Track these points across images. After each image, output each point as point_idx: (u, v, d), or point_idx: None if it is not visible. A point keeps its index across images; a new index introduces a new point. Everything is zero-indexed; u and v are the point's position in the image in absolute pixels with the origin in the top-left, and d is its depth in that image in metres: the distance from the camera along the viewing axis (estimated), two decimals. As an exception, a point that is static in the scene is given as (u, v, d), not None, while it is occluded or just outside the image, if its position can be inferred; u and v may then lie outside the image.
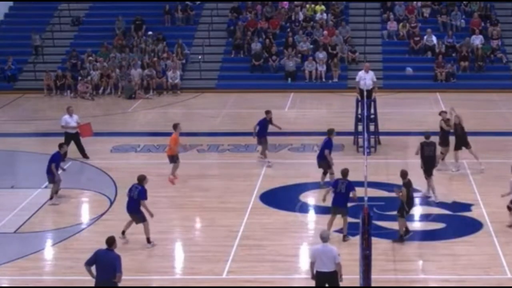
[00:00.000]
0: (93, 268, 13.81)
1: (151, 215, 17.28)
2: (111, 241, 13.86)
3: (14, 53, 35.57)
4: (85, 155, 23.88)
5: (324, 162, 20.80)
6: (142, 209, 17.23)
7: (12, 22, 39.65)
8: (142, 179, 17.47)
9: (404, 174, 17.65)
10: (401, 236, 17.65)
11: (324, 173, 20.92)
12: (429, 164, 20.05)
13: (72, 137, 23.75)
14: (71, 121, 23.94)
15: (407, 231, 17.61)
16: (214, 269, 16.20)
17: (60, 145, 21.15)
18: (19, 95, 33.92)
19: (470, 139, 26.22)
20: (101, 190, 21.21)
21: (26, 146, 25.89)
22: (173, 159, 21.81)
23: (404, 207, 17.46)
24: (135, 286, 15.63)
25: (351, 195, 17.42)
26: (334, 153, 24.01)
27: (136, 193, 17.25)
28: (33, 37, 36.15)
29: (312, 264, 13.73)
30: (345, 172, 17.62)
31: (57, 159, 20.47)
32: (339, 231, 17.96)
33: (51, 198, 20.20)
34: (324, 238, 13.79)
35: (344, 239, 17.45)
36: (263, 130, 23.14)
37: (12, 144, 26.16)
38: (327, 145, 20.77)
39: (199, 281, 15.76)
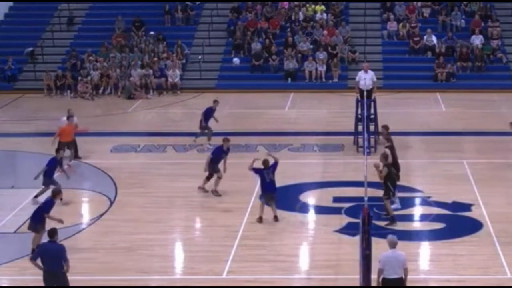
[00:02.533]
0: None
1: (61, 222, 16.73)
2: (53, 233, 13.91)
3: (14, 53, 35.57)
4: (77, 156, 23.94)
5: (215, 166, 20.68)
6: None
7: (12, 22, 39.64)
8: (56, 194, 17.02)
9: (385, 156, 18.50)
10: (392, 218, 18.04)
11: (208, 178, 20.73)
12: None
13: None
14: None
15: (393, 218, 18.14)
16: (214, 269, 16.19)
17: (57, 151, 20.96)
18: (19, 95, 33.91)
19: (470, 139, 26.36)
20: (101, 190, 21.20)
21: (26, 146, 25.89)
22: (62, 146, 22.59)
23: (389, 188, 17.99)
24: (135, 286, 15.65)
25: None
26: (334, 153, 24.11)
27: (42, 203, 16.95)
28: (26, 51, 36.08)
29: (381, 271, 13.48)
30: (266, 163, 18.60)
31: (54, 164, 20.29)
32: (339, 231, 17.98)
33: (35, 197, 20.18)
34: (394, 244, 13.63)
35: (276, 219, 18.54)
36: (207, 118, 24.87)
37: (12, 144, 26.15)
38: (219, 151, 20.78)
39: (199, 281, 15.76)
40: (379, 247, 15.35)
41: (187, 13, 38.08)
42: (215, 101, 25.49)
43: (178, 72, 34.00)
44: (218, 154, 20.66)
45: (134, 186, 21.49)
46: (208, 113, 25.08)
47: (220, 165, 20.66)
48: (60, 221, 16.64)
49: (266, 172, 18.54)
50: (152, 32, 36.53)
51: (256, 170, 18.75)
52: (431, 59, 34.95)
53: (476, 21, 36.01)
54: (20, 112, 31.22)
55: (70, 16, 38.25)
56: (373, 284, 13.67)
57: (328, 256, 16.71)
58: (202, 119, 24.99)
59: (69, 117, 23.77)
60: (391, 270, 13.45)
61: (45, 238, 14.66)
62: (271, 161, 18.88)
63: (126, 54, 35.20)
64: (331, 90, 33.38)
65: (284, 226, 18.40)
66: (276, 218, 18.54)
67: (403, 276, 13.52)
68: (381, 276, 13.51)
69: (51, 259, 13.74)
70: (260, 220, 18.49)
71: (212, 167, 20.52)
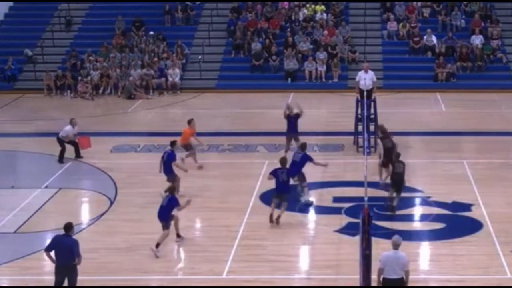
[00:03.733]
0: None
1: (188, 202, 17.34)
2: (68, 227, 14.31)
3: (14, 53, 35.57)
4: (79, 155, 23.93)
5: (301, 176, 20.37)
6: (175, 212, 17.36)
7: (12, 22, 39.63)
8: (172, 189, 17.49)
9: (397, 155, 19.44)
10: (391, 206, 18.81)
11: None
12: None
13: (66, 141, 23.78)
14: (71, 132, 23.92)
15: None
16: (214, 269, 16.19)
17: (172, 143, 20.75)
18: (19, 95, 33.90)
19: (470, 139, 26.35)
20: (101, 190, 21.21)
21: (26, 146, 25.89)
22: (187, 147, 22.64)
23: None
24: (135, 286, 15.65)
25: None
26: (334, 153, 24.11)
27: (166, 200, 17.19)
28: (25, 52, 36.03)
29: (381, 271, 13.50)
30: (283, 161, 18.67)
31: (173, 157, 20.19)
32: (339, 231, 17.99)
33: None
34: (396, 246, 13.62)
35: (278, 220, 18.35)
36: (291, 127, 23.35)
37: (12, 144, 26.14)
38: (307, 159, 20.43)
39: (199, 281, 15.76)
40: (379, 247, 15.42)
41: (187, 13, 38.08)
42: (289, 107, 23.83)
43: (178, 71, 33.99)
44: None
45: (134, 186, 21.48)
46: (291, 122, 23.46)
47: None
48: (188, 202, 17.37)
49: (280, 172, 18.46)
50: (151, 32, 36.51)
51: (272, 172, 18.69)
52: (431, 59, 34.95)
53: (476, 21, 36.00)
54: (20, 112, 31.21)
55: (68, 17, 38.16)
56: (373, 284, 13.68)
57: (328, 256, 16.72)
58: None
59: (73, 124, 23.73)
60: (391, 270, 13.45)
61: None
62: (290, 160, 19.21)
63: (126, 54, 35.21)
64: (331, 90, 33.37)
65: (284, 226, 18.39)
66: (278, 220, 18.32)
67: (404, 277, 13.52)
68: (381, 276, 13.52)
69: (63, 252, 14.08)
70: (271, 218, 18.32)
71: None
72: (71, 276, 14.19)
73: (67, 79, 33.93)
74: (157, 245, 16.80)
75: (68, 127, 23.66)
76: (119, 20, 37.24)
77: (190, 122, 23.19)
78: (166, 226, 17.09)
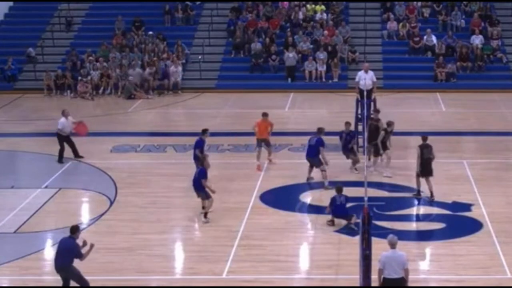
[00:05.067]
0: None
1: (213, 192, 18.60)
2: (73, 230, 14.51)
3: (14, 53, 35.57)
4: (78, 155, 23.91)
5: (316, 160, 21.10)
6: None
7: (12, 22, 39.64)
8: (203, 159, 18.96)
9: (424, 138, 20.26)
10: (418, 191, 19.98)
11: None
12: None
13: (64, 138, 23.75)
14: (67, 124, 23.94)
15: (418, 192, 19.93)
16: (214, 269, 16.19)
17: (204, 131, 21.52)
18: (19, 95, 33.91)
19: (470, 139, 26.33)
20: (101, 190, 21.21)
21: (26, 146, 25.89)
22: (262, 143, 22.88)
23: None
24: (135, 286, 15.65)
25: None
26: (335, 153, 24.05)
27: (197, 172, 18.74)
28: (27, 51, 36.00)
29: (381, 271, 13.51)
30: (338, 190, 18.45)
31: (201, 144, 21.13)
32: (339, 231, 17.99)
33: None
34: (393, 244, 13.65)
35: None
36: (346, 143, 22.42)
37: (12, 144, 26.15)
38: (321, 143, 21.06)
39: (199, 281, 15.76)
40: (379, 247, 15.42)
41: (187, 13, 38.09)
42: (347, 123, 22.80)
43: (180, 68, 33.94)
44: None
45: (134, 186, 21.49)
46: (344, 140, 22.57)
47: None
48: (212, 191, 18.63)
49: (338, 197, 18.26)
50: (150, 32, 36.51)
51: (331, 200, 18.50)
52: (431, 59, 34.96)
53: (476, 21, 36.00)
54: (20, 112, 31.21)
55: (68, 17, 38.17)
56: (373, 284, 13.68)
57: (328, 256, 16.72)
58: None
59: (66, 115, 23.85)
60: (391, 270, 13.46)
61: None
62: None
63: (126, 54, 35.20)
64: (331, 90, 33.37)
65: (284, 226, 18.40)
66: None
67: (404, 276, 13.52)
68: (382, 276, 13.52)
69: (62, 252, 14.30)
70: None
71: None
72: (71, 277, 14.36)
73: (67, 79, 33.93)
74: (205, 215, 18.60)
75: (62, 119, 23.72)
76: (119, 20, 37.24)
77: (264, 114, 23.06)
78: (204, 196, 18.59)
